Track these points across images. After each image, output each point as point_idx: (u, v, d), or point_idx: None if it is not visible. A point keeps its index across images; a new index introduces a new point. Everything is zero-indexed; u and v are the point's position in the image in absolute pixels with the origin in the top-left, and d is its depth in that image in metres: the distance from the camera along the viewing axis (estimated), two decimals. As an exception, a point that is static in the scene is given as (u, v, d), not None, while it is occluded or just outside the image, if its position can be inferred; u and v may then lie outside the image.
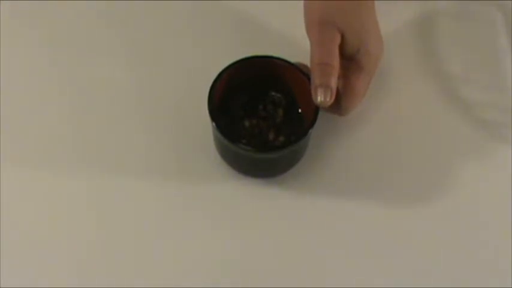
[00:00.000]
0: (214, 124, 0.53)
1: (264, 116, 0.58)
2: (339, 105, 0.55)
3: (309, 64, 0.54)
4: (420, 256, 0.55)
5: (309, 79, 0.53)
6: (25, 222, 0.55)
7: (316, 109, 0.53)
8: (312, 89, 0.52)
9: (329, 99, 0.52)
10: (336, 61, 0.53)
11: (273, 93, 0.58)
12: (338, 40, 0.54)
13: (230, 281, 0.54)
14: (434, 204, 0.57)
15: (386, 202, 0.57)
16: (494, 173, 0.59)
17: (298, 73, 0.55)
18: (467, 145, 0.60)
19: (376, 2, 0.57)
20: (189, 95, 0.59)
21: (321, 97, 0.52)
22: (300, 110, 0.58)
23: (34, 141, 0.59)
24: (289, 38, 0.63)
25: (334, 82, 0.52)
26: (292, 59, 0.56)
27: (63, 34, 0.64)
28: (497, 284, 0.54)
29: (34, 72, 0.62)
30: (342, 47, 0.54)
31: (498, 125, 0.61)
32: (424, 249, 0.55)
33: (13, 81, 0.62)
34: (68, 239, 0.55)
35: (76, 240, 0.55)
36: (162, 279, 0.53)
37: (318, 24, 0.54)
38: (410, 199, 0.57)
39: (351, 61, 0.55)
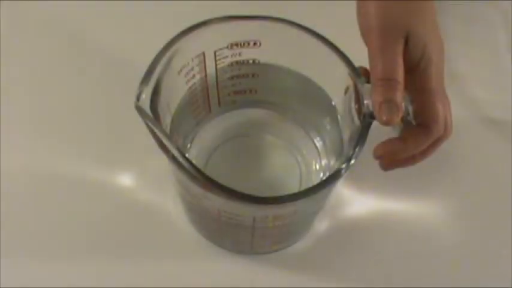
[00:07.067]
0: None
1: None
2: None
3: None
4: (420, 256, 0.55)
5: None
6: (26, 223, 0.55)
7: None
8: (375, 108, 0.44)
9: (396, 117, 0.44)
10: (400, 75, 0.45)
11: None
12: (401, 47, 0.46)
13: None
14: (434, 204, 0.57)
15: (386, 202, 0.57)
16: (494, 173, 0.59)
17: None
18: (467, 145, 0.60)
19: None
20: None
21: (386, 115, 0.44)
22: None
23: (33, 142, 0.59)
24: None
25: (400, 97, 0.44)
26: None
27: (65, 33, 0.64)
28: (497, 284, 0.54)
29: (33, 75, 0.62)
30: (404, 55, 0.46)
31: (498, 124, 0.61)
32: (424, 249, 0.55)
33: (14, 81, 0.62)
34: (69, 238, 0.55)
35: (77, 240, 0.55)
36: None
37: (378, 30, 0.46)
38: (409, 199, 0.57)
39: (413, 75, 0.47)
